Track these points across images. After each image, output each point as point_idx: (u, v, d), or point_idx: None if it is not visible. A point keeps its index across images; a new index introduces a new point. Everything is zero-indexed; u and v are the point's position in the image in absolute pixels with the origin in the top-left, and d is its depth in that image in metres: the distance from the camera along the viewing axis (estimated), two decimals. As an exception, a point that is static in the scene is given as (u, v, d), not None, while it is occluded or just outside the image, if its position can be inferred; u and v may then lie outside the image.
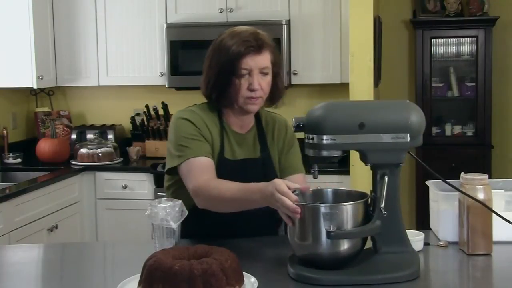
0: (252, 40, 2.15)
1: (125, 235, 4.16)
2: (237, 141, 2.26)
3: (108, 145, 4.54)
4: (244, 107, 2.20)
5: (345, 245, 1.80)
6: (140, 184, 4.30)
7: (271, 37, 2.23)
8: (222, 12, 4.43)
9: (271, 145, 2.30)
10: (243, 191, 1.99)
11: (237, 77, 2.15)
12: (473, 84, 5.02)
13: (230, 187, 2.02)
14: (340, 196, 1.95)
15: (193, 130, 2.18)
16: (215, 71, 2.19)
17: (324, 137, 1.79)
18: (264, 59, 2.17)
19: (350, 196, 1.92)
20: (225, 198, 2.02)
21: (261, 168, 2.23)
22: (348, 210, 1.80)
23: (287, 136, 2.33)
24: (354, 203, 1.82)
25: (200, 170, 2.11)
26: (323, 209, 1.79)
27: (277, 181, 1.87)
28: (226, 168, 2.17)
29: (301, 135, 1.84)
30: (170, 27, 4.43)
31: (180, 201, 1.99)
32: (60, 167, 4.32)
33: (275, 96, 2.26)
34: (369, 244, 1.88)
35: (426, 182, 2.27)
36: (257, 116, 2.32)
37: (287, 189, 1.83)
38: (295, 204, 1.80)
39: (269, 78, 2.20)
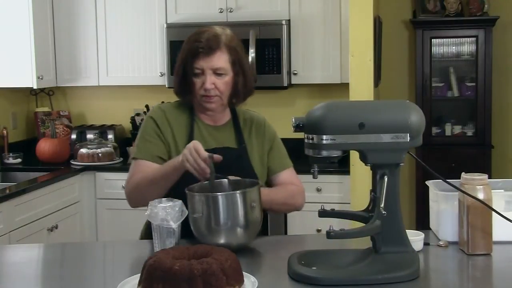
0: (205, 42, 2.24)
1: (125, 235, 4.16)
2: (210, 133, 2.34)
3: (108, 145, 4.54)
4: (202, 105, 2.30)
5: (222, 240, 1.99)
6: (140, 184, 4.29)
7: (237, 37, 2.33)
8: (222, 12, 4.43)
9: (248, 142, 2.36)
10: (163, 166, 2.20)
11: (193, 76, 2.27)
12: (473, 84, 5.02)
13: (153, 168, 2.23)
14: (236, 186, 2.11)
15: (152, 130, 2.32)
16: (178, 67, 2.32)
17: (324, 137, 1.79)
18: (217, 60, 2.25)
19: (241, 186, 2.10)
20: (147, 178, 2.20)
21: (235, 159, 2.28)
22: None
23: (266, 134, 2.40)
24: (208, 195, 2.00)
25: (137, 172, 2.26)
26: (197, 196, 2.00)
27: (194, 141, 2.11)
28: None
29: (301, 135, 1.84)
30: (170, 27, 4.43)
31: (180, 201, 1.99)
32: (60, 167, 4.32)
33: (236, 95, 2.34)
34: (369, 244, 1.89)
35: (426, 182, 2.27)
36: (234, 112, 2.40)
37: (201, 147, 2.07)
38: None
39: (226, 78, 2.28)
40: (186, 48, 2.29)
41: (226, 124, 2.37)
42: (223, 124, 2.37)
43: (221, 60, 2.25)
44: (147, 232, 2.34)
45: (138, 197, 2.25)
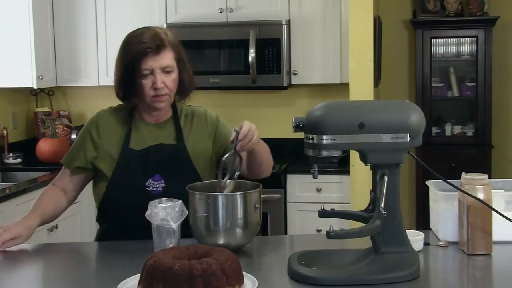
0: (151, 41, 2.25)
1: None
2: (149, 131, 2.36)
3: (108, 145, 4.54)
4: (152, 105, 2.31)
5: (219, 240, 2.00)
6: (140, 184, 4.29)
7: (175, 36, 2.34)
8: (222, 12, 4.43)
9: (189, 137, 2.37)
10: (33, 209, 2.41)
11: (141, 78, 2.26)
12: (473, 84, 5.02)
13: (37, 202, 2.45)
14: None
15: (83, 138, 2.41)
16: (121, 71, 2.30)
17: (324, 137, 1.79)
18: (165, 59, 2.26)
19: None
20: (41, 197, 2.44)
21: (172, 154, 2.31)
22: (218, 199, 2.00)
23: (208, 121, 2.42)
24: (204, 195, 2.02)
25: (56, 180, 2.48)
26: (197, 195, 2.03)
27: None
28: (129, 157, 2.30)
29: (301, 135, 1.84)
30: (170, 27, 4.43)
31: (180, 201, 1.99)
32: (60, 167, 4.30)
33: (182, 91, 2.37)
34: (369, 244, 1.89)
35: (426, 182, 2.27)
36: (175, 109, 2.41)
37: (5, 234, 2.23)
38: None
39: (174, 75, 2.30)
40: (131, 50, 2.26)
41: (167, 121, 2.39)
42: (164, 121, 2.39)
43: (167, 58, 2.27)
44: (99, 236, 2.43)
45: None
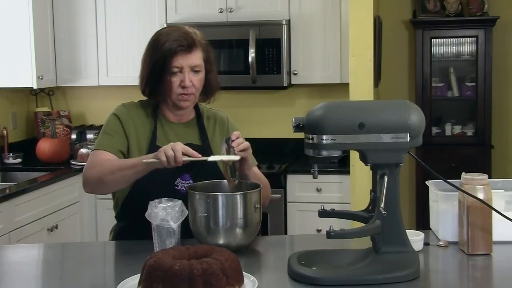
0: (183, 39, 2.26)
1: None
2: (174, 130, 2.37)
3: (108, 145, 4.54)
4: (177, 103, 2.32)
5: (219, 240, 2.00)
6: (140, 184, 4.28)
7: (204, 36, 2.35)
8: (222, 12, 4.43)
9: (212, 139, 2.39)
10: (134, 158, 2.20)
11: (169, 75, 2.27)
12: (473, 84, 5.02)
13: (122, 160, 2.23)
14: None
15: (114, 125, 2.32)
16: (149, 67, 2.31)
17: (324, 137, 1.79)
18: (195, 58, 2.28)
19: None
20: (114, 166, 2.16)
21: (201, 155, 2.27)
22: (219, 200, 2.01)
23: (230, 131, 2.40)
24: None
25: (100, 159, 2.23)
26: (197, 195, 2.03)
27: (179, 143, 2.08)
28: None
29: (301, 135, 1.85)
30: (170, 27, 4.43)
31: (180, 201, 2.00)
32: (60, 167, 4.32)
33: (208, 92, 2.39)
34: (369, 244, 1.89)
35: (426, 182, 2.27)
36: (198, 110, 2.42)
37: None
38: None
39: (201, 75, 2.31)
40: (162, 47, 2.26)
41: (190, 122, 2.40)
42: (187, 122, 2.40)
43: (197, 57, 2.29)
44: (119, 233, 2.41)
45: (98, 184, 2.21)
